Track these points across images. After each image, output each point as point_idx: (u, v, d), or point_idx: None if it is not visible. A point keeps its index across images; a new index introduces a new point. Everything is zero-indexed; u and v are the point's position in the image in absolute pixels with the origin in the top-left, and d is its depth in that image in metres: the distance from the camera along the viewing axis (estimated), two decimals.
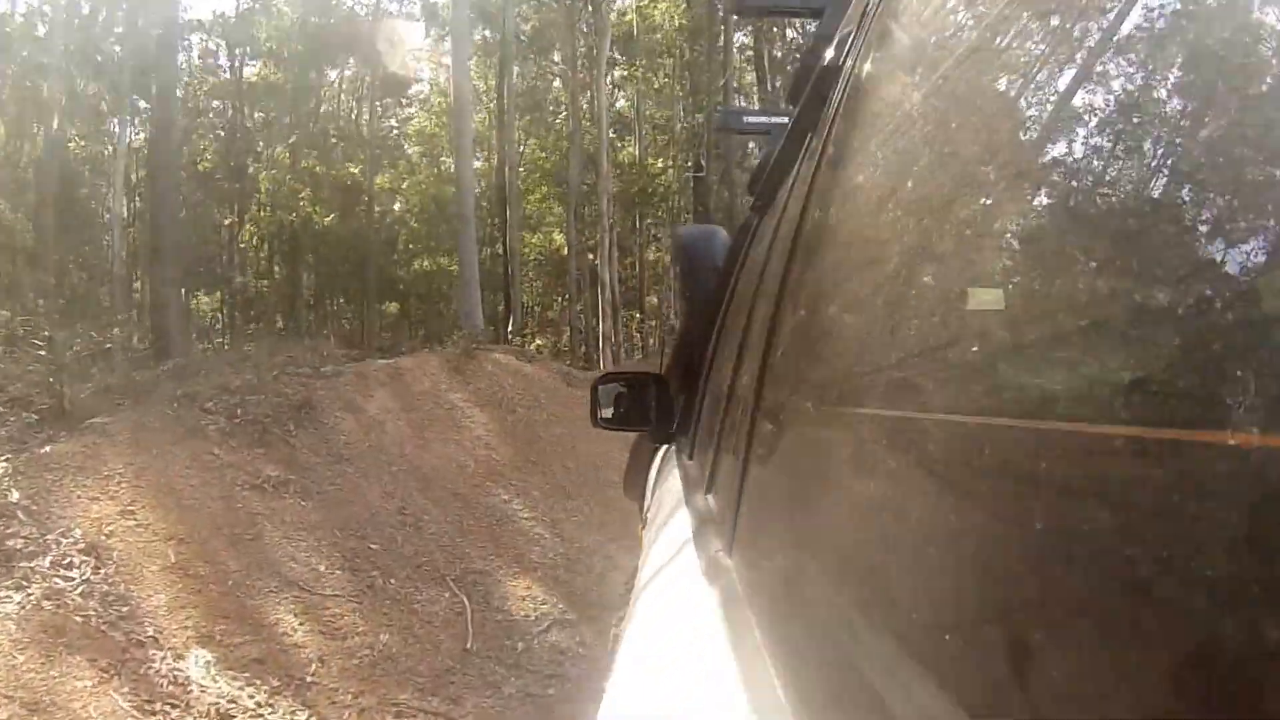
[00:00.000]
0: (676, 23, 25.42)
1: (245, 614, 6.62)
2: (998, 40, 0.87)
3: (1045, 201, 0.67)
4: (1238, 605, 0.39)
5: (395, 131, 34.29)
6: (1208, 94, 0.50)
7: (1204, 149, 0.49)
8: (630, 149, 28.67)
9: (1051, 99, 0.71)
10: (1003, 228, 0.73)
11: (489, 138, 28.85)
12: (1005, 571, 0.57)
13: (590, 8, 25.04)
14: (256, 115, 29.14)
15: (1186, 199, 0.50)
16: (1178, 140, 0.52)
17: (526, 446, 10.21)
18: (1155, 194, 0.53)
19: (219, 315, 29.12)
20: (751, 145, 27.15)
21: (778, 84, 31.14)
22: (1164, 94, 0.55)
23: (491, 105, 28.62)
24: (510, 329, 21.91)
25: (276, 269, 30.22)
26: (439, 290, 29.41)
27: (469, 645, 7.12)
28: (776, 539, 1.17)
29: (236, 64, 29.13)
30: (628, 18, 27.19)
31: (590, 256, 26.31)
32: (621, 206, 26.02)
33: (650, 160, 27.02)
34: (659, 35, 26.41)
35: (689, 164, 27.01)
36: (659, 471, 3.16)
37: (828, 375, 1.18)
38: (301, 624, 6.77)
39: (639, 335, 24.38)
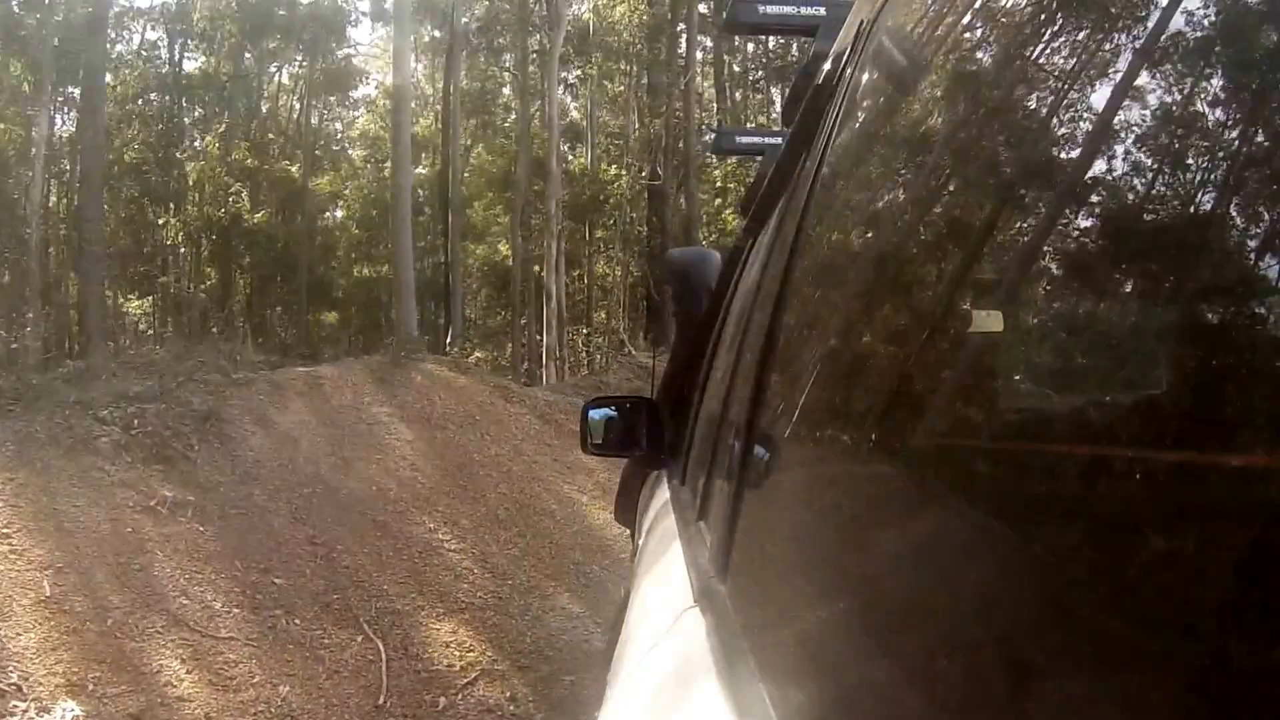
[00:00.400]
0: (637, 19, 26.09)
1: (125, 658, 6.00)
2: (991, 59, 0.89)
3: (1043, 222, 0.68)
4: (1228, 619, 0.41)
5: (340, 134, 34.78)
6: (1206, 119, 0.52)
7: (1201, 173, 0.51)
8: (583, 158, 29.17)
9: (1046, 116, 0.73)
10: (1000, 249, 0.74)
11: (437, 141, 28.90)
12: (1001, 598, 0.58)
13: (544, 5, 24.50)
14: (197, 111, 29.07)
15: (1182, 221, 0.52)
16: (1175, 161, 0.54)
17: (456, 469, 9.53)
18: (1151, 214, 0.56)
19: (151, 318, 28.47)
20: (711, 156, 26.52)
21: (739, 97, 30.21)
22: (1158, 116, 0.56)
23: (440, 108, 28.58)
24: (449, 340, 21.68)
25: (210, 271, 29.90)
26: (379, 299, 29.28)
27: (381, 700, 6.46)
28: (770, 565, 1.17)
29: (176, 55, 28.78)
30: (585, 16, 27.83)
31: (537, 268, 26.17)
32: (572, 216, 26.33)
33: (603, 168, 25.79)
34: (615, 38, 26.33)
35: (644, 173, 27.41)
36: (650, 497, 3.16)
37: (822, 399, 1.19)
38: (189, 672, 6.12)
39: (586, 351, 23.34)
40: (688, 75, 23.13)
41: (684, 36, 24.25)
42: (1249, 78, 0.49)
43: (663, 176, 23.83)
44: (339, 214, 31.43)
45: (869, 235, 1.18)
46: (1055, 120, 0.70)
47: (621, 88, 29.25)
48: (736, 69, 30.29)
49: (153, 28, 28.30)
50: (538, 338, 23.77)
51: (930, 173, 0.98)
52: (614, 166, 27.34)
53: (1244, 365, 0.44)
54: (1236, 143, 0.48)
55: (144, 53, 28.30)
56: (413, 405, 10.13)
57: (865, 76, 1.37)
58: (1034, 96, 0.77)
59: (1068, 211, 0.64)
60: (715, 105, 29.58)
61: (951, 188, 0.90)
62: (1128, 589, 0.47)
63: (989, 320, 0.71)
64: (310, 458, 8.95)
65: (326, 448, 9.22)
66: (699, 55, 29.07)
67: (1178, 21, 0.57)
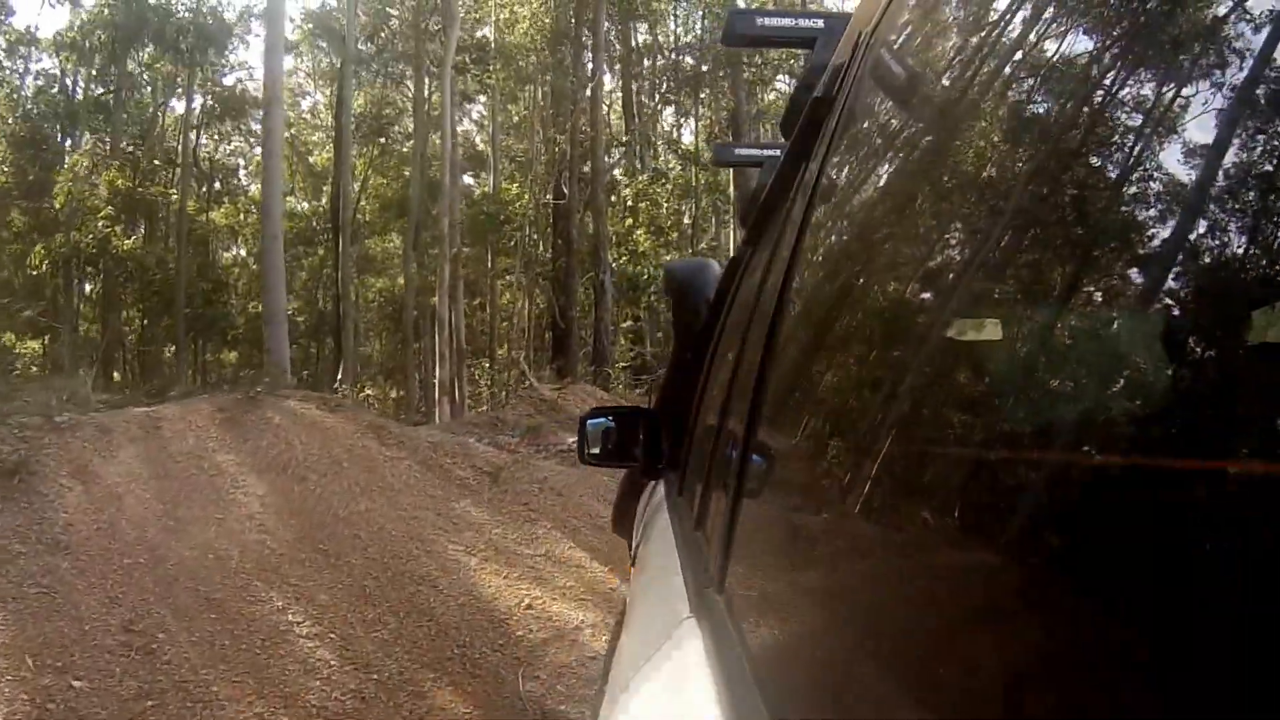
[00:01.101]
0: (539, 28, 25.46)
1: None
2: (989, 70, 0.92)
3: (1041, 232, 0.71)
4: (1232, 620, 0.43)
5: (242, 166, 34.58)
6: (1206, 126, 0.54)
7: (1203, 179, 0.53)
8: (487, 185, 28.96)
9: (1044, 128, 0.76)
10: (999, 259, 0.77)
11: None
12: (998, 606, 0.60)
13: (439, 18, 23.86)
14: (86, 136, 27.98)
15: (1182, 228, 0.54)
16: (1175, 169, 0.56)
17: (315, 528, 8.17)
18: (1148, 222, 0.58)
19: (44, 361, 26.85)
20: (620, 173, 25.08)
21: (640, 125, 29.03)
22: (1158, 124, 0.59)
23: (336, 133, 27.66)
24: (339, 377, 21.46)
25: (91, 306, 29.21)
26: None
27: None
28: (767, 575, 1.22)
29: (69, 81, 28.66)
30: (487, 34, 27.71)
31: (434, 298, 25.23)
32: (471, 239, 25.92)
33: (504, 186, 24.41)
34: (521, 59, 24.02)
35: (548, 193, 26.97)
36: (647, 507, 3.15)
37: (820, 411, 1.24)
38: None
39: (488, 387, 21.41)
40: (593, 82, 21.45)
41: (589, 44, 22.56)
42: (1252, 85, 0.51)
43: (568, 194, 22.12)
44: (242, 252, 32.18)
45: (867, 246, 1.23)
46: (1053, 131, 0.74)
47: (525, 110, 29.38)
48: (644, 98, 28.92)
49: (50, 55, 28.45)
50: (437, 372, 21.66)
51: (928, 184, 1.02)
52: (515, 185, 25.51)
53: (1247, 371, 0.46)
54: (1240, 150, 0.50)
55: (39, 80, 28.75)
56: (267, 451, 8.61)
57: (863, 88, 1.43)
58: (1031, 107, 0.80)
59: (1065, 221, 0.67)
60: (623, 118, 27.93)
61: (949, 199, 0.94)
62: (1124, 592, 0.49)
63: (987, 330, 0.74)
64: (136, 519, 7.62)
65: (157, 506, 7.89)
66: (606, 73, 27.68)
67: (1174, 29, 0.59)
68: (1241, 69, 0.51)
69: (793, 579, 1.11)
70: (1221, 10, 0.56)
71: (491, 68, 24.86)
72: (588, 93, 24.18)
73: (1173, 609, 0.44)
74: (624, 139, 27.86)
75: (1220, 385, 0.48)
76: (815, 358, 1.33)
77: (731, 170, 24.46)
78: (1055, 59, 0.77)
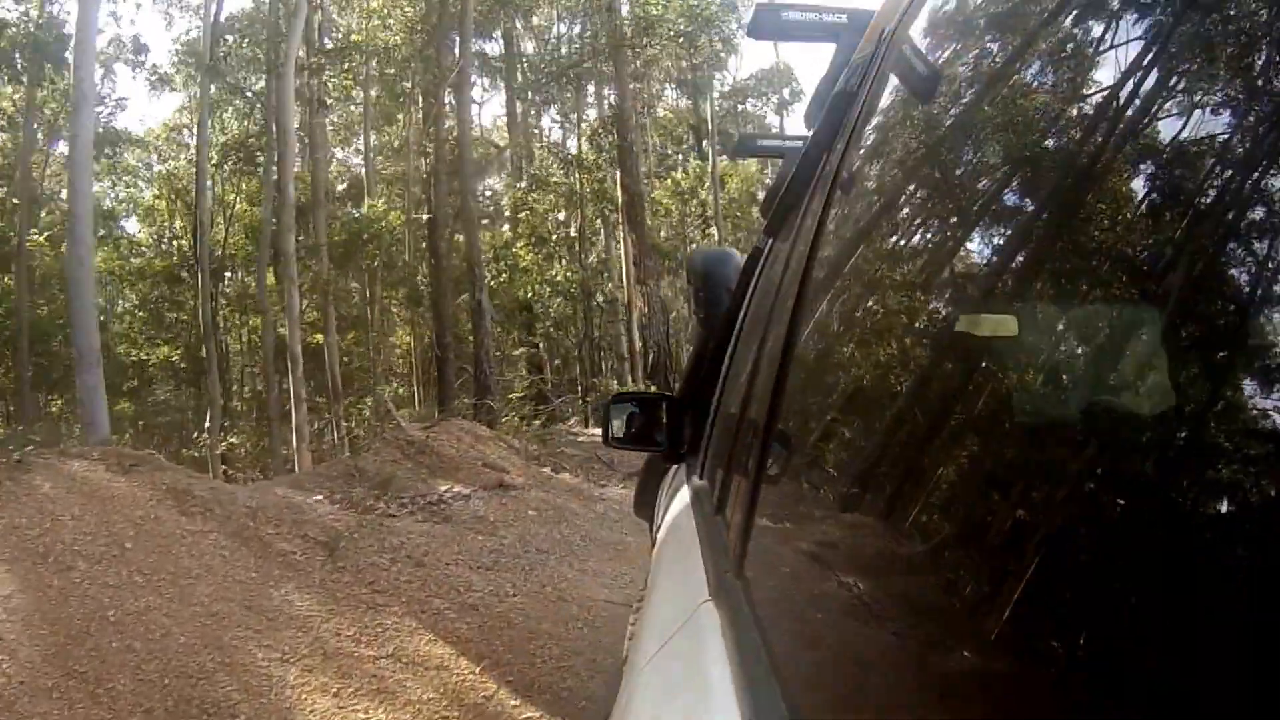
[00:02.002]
0: (404, 13, 20.41)
1: None
2: (1011, 66, 0.96)
3: (1060, 225, 0.74)
4: (1233, 604, 0.45)
5: (118, 207, 32.84)
6: (1233, 131, 0.56)
7: (1234, 184, 0.55)
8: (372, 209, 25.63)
9: (1066, 124, 0.78)
10: (1019, 254, 0.81)
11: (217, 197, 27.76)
12: (1018, 594, 0.63)
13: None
14: None
15: (1208, 231, 0.56)
16: (1191, 172, 0.59)
17: (75, 640, 5.98)
18: (1175, 221, 0.60)
19: None
20: (491, 181, 22.97)
21: (522, 126, 27.00)
22: (1181, 123, 0.61)
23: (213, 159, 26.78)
24: (207, 425, 20.47)
25: None
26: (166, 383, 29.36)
27: None
28: (786, 559, 1.32)
29: None
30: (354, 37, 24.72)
31: (319, 335, 24.16)
32: (339, 265, 24.15)
33: (370, 203, 22.17)
34: (393, 68, 21.73)
35: (418, 208, 25.43)
36: (669, 491, 3.24)
37: (840, 398, 1.33)
38: None
39: (361, 428, 18.76)
40: (455, 74, 19.18)
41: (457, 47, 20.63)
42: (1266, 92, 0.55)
43: (433, 202, 20.08)
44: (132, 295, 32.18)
45: (888, 237, 1.29)
46: (1075, 128, 0.77)
47: (405, 131, 25.29)
48: (544, 124, 27.41)
49: None
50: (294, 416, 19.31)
51: (948, 178, 1.07)
52: (381, 201, 23.37)
53: (1257, 371, 0.49)
54: (1262, 156, 0.53)
55: None
56: (25, 531, 6.40)
57: (886, 82, 1.51)
58: (1054, 104, 0.83)
59: (1086, 218, 0.69)
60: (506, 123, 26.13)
61: (970, 192, 0.97)
62: (1140, 585, 0.51)
63: (1007, 322, 0.78)
64: None
65: None
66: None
67: (1197, 30, 0.62)
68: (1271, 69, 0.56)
69: (811, 565, 1.19)
70: (1243, 11, 0.60)
71: (348, 64, 22.05)
72: (448, 98, 22.15)
73: (1207, 612, 0.46)
74: (502, 144, 25.76)
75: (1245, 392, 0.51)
76: (835, 347, 1.43)
77: (619, 175, 22.97)
78: (1077, 56, 0.81)
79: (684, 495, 2.58)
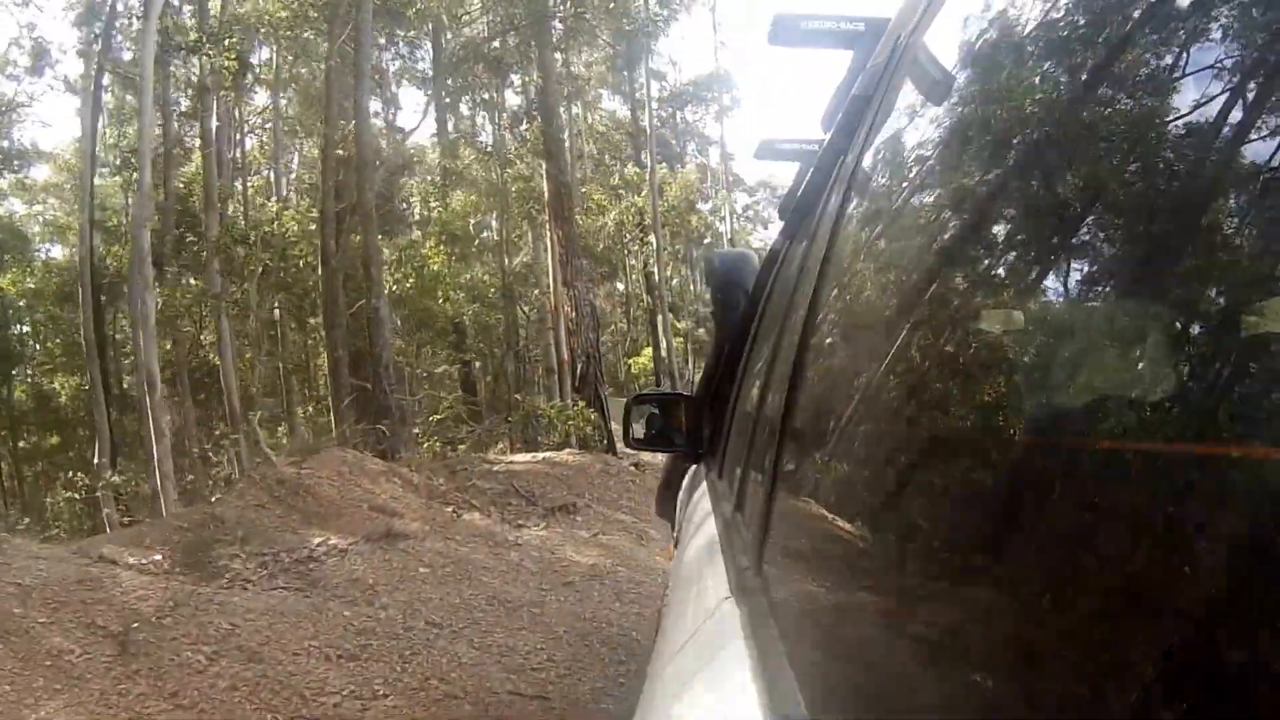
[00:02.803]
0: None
1: None
2: (1026, 72, 0.98)
3: (1074, 227, 0.75)
4: (1240, 612, 0.46)
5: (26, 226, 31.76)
6: (1243, 131, 0.57)
7: (1241, 183, 0.56)
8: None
9: (1081, 128, 0.79)
10: (1033, 255, 0.82)
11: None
12: (1036, 595, 0.64)
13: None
14: None
15: (1225, 227, 0.57)
16: (1218, 166, 0.59)
17: None
18: (1193, 220, 0.60)
19: None
20: (408, 180, 20.75)
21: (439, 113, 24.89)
22: (1193, 125, 0.61)
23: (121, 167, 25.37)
24: (95, 461, 18.91)
25: None
26: (81, 414, 26.67)
27: None
28: (804, 557, 1.33)
29: None
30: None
31: (212, 356, 20.18)
32: (227, 274, 21.26)
33: (260, 202, 20.08)
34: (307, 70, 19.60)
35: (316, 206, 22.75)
36: (690, 490, 3.31)
37: (856, 398, 1.32)
38: None
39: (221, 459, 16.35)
40: (358, 81, 17.16)
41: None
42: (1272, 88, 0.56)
43: (321, 191, 17.84)
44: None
45: (903, 239, 1.29)
46: (1091, 131, 0.78)
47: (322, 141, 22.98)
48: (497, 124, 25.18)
49: None
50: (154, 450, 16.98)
51: (962, 180, 1.08)
52: (273, 201, 21.17)
53: (1260, 365, 0.50)
54: (1267, 152, 0.54)
55: None
56: None
57: (902, 88, 1.54)
58: (1069, 109, 0.83)
59: (1103, 219, 0.70)
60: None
61: (985, 195, 0.97)
62: (1152, 583, 0.53)
63: (1024, 325, 0.78)
64: None
65: None
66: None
67: (1208, 32, 0.63)
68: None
69: (829, 562, 1.20)
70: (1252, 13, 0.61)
71: (228, 41, 19.43)
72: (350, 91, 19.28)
73: (1249, 614, 0.46)
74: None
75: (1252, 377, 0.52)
76: (851, 347, 1.44)
77: (545, 165, 20.95)
78: (1090, 60, 0.82)
79: (704, 494, 2.63)
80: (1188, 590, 0.50)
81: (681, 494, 3.69)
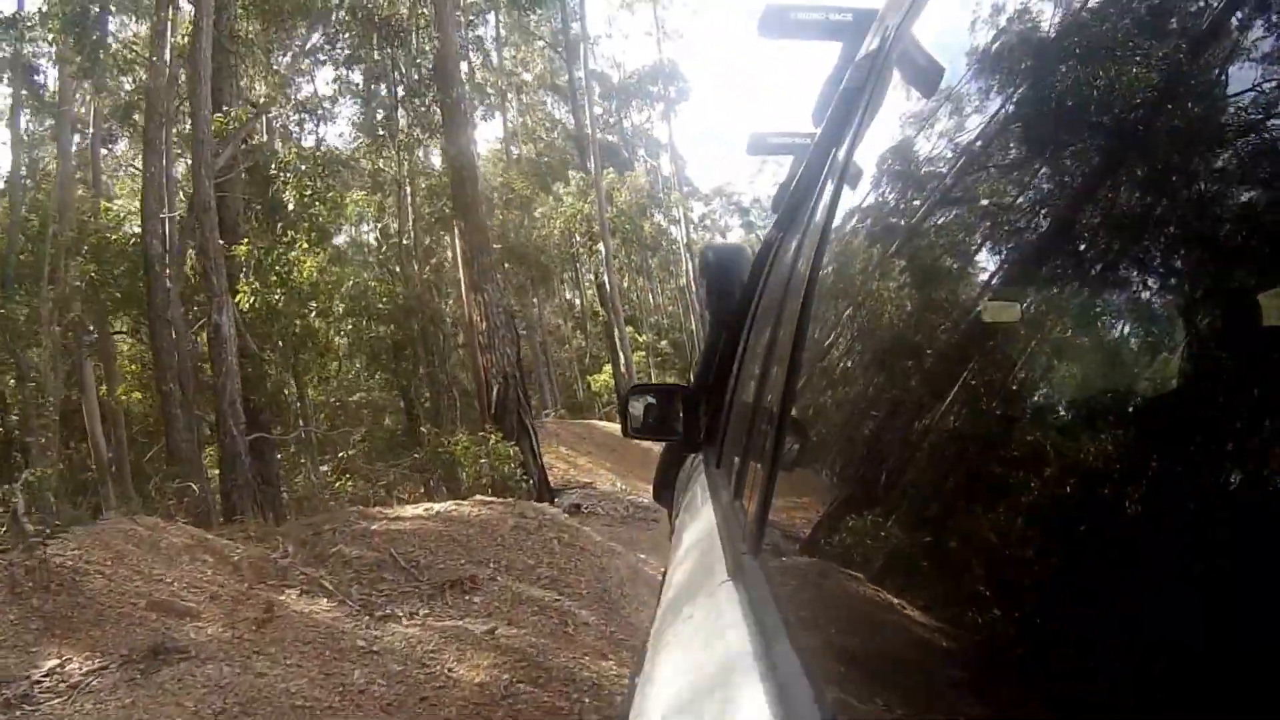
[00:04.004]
0: None
1: None
2: (1015, 62, 0.99)
3: (1066, 218, 0.76)
4: (1238, 607, 0.47)
5: None
6: (1231, 123, 0.58)
7: (1226, 173, 0.57)
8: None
9: (1069, 118, 0.80)
10: (1024, 244, 0.84)
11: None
12: (1030, 577, 0.66)
13: None
14: None
15: (1206, 221, 0.58)
16: (1196, 162, 0.61)
17: None
18: (1177, 213, 0.62)
19: None
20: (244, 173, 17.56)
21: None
22: (1180, 119, 0.64)
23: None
24: None
25: None
26: None
27: None
28: (801, 544, 1.37)
29: None
30: None
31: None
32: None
33: (104, 204, 16.94)
34: None
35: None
36: (687, 479, 3.32)
37: (850, 387, 1.39)
38: None
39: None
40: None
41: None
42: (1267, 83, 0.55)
43: (143, 176, 14.65)
44: None
45: (895, 230, 1.34)
46: (1079, 122, 0.79)
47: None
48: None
49: None
50: None
51: (957, 171, 1.09)
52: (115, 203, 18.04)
53: (1255, 363, 0.51)
54: (1258, 147, 0.55)
55: None
56: None
57: (891, 79, 1.58)
58: (1057, 99, 0.84)
59: (1096, 209, 0.72)
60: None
61: (975, 186, 1.01)
62: (1145, 572, 0.53)
63: (1014, 314, 0.80)
64: None
65: None
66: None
67: (1201, 24, 0.64)
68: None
69: (827, 546, 1.23)
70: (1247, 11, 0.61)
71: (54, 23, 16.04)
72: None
73: (1241, 614, 0.47)
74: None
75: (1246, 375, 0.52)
76: (846, 336, 1.47)
77: (441, 148, 17.73)
78: (1082, 50, 0.83)
79: (702, 482, 2.68)
80: (1180, 583, 0.51)
81: (679, 481, 3.73)
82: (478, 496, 13.59)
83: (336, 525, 10.88)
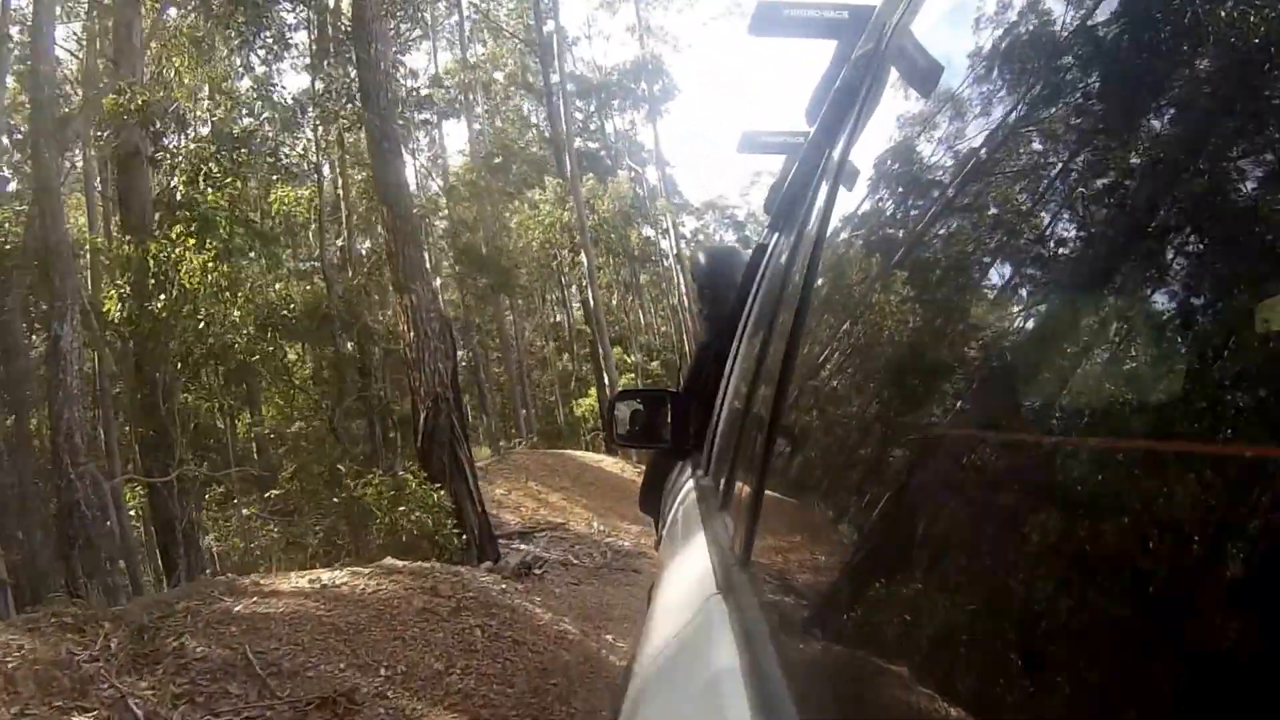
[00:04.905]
0: None
1: None
2: (1011, 63, 0.98)
3: (1062, 219, 0.76)
4: (1240, 611, 0.46)
5: None
6: (1218, 123, 0.59)
7: (1229, 178, 0.56)
8: None
9: (1069, 119, 0.80)
10: (1021, 246, 0.83)
11: None
12: (1020, 587, 0.66)
13: None
14: None
15: (1209, 222, 0.58)
16: (1192, 164, 0.60)
17: None
18: (1178, 214, 0.61)
19: None
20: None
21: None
22: (1183, 119, 0.63)
23: None
24: None
25: None
26: None
27: None
28: (792, 554, 1.35)
29: None
30: None
31: None
32: None
33: None
34: None
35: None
36: (675, 487, 3.15)
37: (844, 396, 1.35)
38: None
39: None
40: None
41: None
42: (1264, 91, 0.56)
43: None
44: None
45: (891, 233, 1.31)
46: (1079, 122, 0.78)
47: None
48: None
49: None
50: None
51: (952, 170, 1.08)
52: None
53: (1252, 364, 0.50)
54: (1259, 151, 0.54)
55: None
56: None
57: (887, 77, 1.55)
58: (1057, 99, 0.84)
59: (1095, 208, 0.71)
60: None
61: (973, 189, 0.99)
62: (1141, 581, 0.53)
63: (1013, 316, 0.80)
64: None
65: None
66: None
67: (1199, 24, 0.63)
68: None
69: (818, 558, 1.22)
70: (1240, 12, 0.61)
71: None
72: None
73: (1217, 617, 0.47)
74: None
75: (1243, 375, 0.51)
76: (840, 342, 1.44)
77: (360, 115, 14.13)
78: (1082, 49, 0.81)
79: (690, 490, 2.58)
80: (1170, 585, 0.51)
81: (666, 490, 3.57)
82: (388, 560, 10.50)
83: (193, 604, 7.84)
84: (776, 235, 2.69)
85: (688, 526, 2.14)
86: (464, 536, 12.38)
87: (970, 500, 0.77)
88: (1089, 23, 0.81)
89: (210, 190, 14.04)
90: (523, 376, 38.58)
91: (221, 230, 13.54)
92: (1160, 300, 0.58)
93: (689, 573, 1.70)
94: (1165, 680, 0.49)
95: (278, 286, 19.00)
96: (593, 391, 34.77)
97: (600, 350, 31.22)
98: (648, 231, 44.89)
